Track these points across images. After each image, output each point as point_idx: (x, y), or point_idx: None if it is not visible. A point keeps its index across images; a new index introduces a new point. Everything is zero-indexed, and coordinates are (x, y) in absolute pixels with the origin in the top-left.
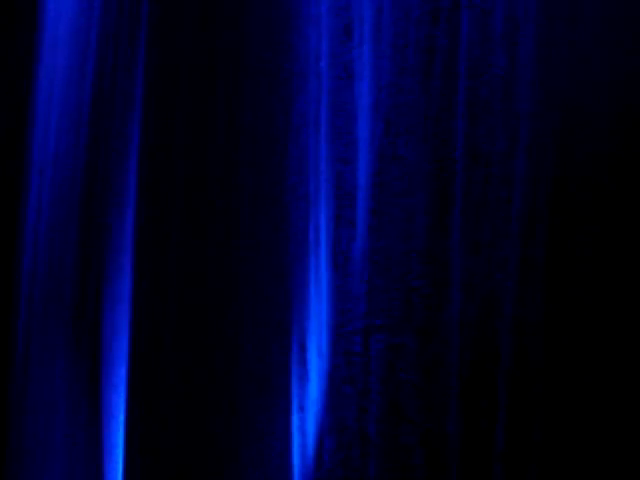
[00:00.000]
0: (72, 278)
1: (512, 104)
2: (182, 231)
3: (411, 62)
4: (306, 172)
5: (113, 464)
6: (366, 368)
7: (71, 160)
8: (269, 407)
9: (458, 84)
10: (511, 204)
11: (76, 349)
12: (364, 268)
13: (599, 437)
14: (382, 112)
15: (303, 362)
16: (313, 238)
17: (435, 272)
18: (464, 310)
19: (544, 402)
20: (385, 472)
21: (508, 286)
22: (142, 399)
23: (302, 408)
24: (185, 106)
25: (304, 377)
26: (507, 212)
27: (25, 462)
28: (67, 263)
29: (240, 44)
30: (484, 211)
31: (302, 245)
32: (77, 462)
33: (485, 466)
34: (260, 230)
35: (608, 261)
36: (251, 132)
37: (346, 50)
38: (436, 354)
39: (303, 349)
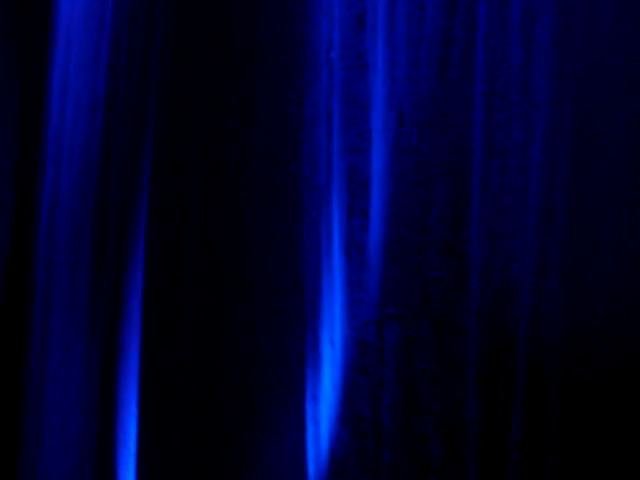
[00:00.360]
0: (88, 268)
1: (529, 95)
2: (196, 221)
3: (426, 53)
4: (319, 163)
5: (126, 455)
6: (380, 358)
7: (86, 145)
8: (284, 398)
9: (476, 75)
10: (528, 194)
11: (91, 340)
12: (378, 259)
13: (618, 426)
14: (396, 103)
15: (317, 353)
16: (326, 228)
17: (453, 263)
18: (482, 300)
19: (562, 391)
20: (400, 461)
21: (525, 276)
22: (155, 391)
23: (316, 398)
24: (200, 96)
25: (318, 368)
26: (524, 202)
27: (41, 452)
28: (83, 251)
29: (253, 35)
30: (501, 201)
31: (315, 236)
32: (89, 452)
33: (503, 455)
34: (274, 221)
35: (624, 250)
36: (265, 123)
37: (359, 41)
38: (454, 344)
39: (317, 339)
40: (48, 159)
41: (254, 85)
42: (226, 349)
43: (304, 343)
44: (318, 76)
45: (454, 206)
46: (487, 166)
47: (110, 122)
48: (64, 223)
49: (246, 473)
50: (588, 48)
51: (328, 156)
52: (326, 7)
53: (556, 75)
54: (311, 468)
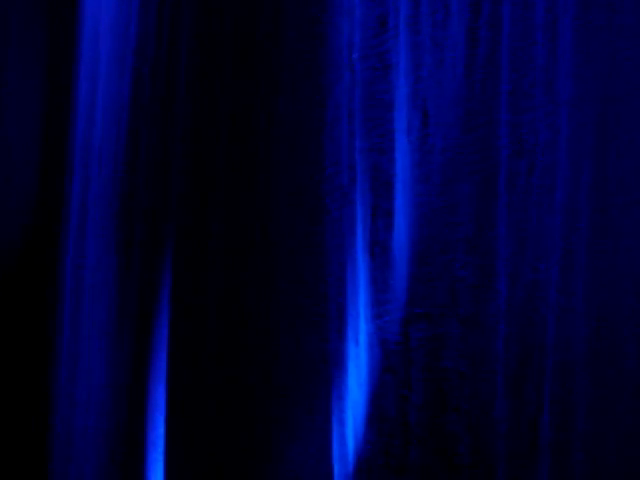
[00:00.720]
0: (116, 268)
1: (554, 95)
2: (222, 223)
3: (451, 54)
4: (342, 163)
5: (155, 455)
6: (406, 357)
7: (114, 147)
8: (308, 398)
9: (501, 75)
10: (554, 193)
11: (120, 341)
12: (403, 258)
13: None
14: (420, 103)
15: (342, 352)
16: (350, 228)
17: (480, 262)
18: (509, 299)
19: (590, 390)
20: (428, 461)
21: (552, 275)
22: (183, 393)
23: (341, 398)
24: (226, 98)
25: (343, 367)
26: (551, 201)
27: (72, 450)
28: (112, 253)
29: (277, 36)
30: (528, 201)
31: (339, 235)
32: (118, 451)
33: (531, 454)
34: (298, 221)
35: None
36: (289, 124)
37: (380, 41)
38: (482, 343)
39: (341, 339)
40: (76, 162)
41: (278, 87)
42: (250, 350)
43: (328, 343)
44: (340, 76)
45: (481, 205)
46: (513, 165)
47: (136, 124)
48: (94, 224)
49: (271, 474)
50: (610, 47)
51: (351, 156)
52: (347, 7)
53: (579, 74)
54: (337, 468)
